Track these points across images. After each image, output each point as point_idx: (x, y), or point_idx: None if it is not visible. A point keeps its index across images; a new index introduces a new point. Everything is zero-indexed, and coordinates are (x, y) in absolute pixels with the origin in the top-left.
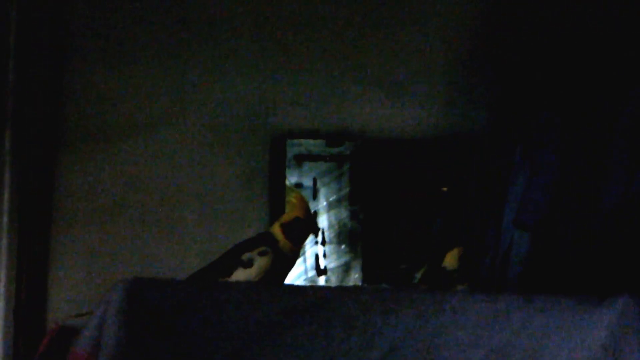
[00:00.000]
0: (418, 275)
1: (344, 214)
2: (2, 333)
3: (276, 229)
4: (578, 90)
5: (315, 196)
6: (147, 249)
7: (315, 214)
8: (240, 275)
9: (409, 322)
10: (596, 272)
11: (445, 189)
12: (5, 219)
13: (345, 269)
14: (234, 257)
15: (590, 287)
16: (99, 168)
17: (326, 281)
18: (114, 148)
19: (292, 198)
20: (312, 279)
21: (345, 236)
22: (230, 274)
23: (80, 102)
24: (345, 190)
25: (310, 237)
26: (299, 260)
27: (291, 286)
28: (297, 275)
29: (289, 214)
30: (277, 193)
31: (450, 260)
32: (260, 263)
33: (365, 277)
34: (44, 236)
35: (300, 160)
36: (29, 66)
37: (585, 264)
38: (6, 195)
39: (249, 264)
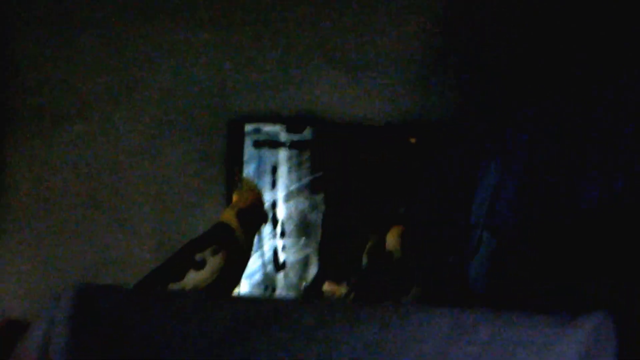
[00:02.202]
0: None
1: (304, 204)
2: None
3: (231, 217)
4: (554, 83)
5: (274, 185)
6: (97, 236)
7: (275, 204)
8: (193, 278)
9: (370, 336)
10: (569, 279)
11: (413, 140)
12: None
13: (305, 263)
14: (186, 258)
15: (563, 296)
16: (44, 151)
17: (284, 276)
18: (62, 130)
19: (250, 183)
20: (269, 274)
21: (305, 228)
22: (182, 277)
23: (25, 82)
24: (306, 179)
25: (268, 229)
26: (256, 255)
27: (244, 298)
28: (254, 270)
29: (245, 201)
30: (234, 180)
31: (390, 240)
32: (213, 263)
33: (322, 272)
34: None
35: (258, 146)
36: None
37: (557, 270)
38: None
39: (201, 265)
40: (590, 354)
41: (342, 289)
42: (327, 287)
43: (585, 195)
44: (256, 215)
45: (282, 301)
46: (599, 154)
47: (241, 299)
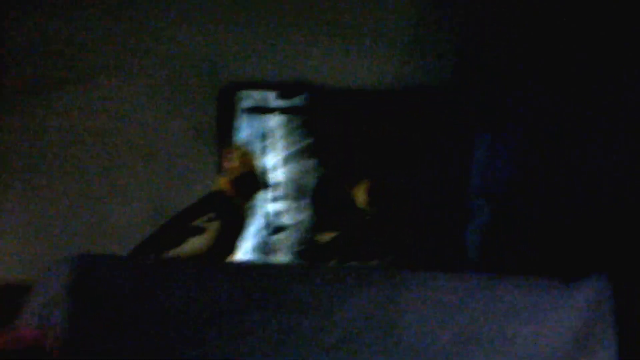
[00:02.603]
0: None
1: (298, 168)
2: None
3: (225, 185)
4: (554, 54)
5: (264, 151)
6: (92, 205)
7: (266, 170)
8: (191, 244)
9: (366, 304)
10: (560, 250)
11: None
12: None
13: (301, 226)
14: (183, 225)
15: (556, 265)
16: (39, 119)
17: (282, 240)
18: (55, 98)
19: (243, 151)
20: (265, 239)
21: (299, 193)
22: (180, 243)
23: (19, 50)
24: (300, 145)
25: (263, 194)
26: (253, 219)
27: (241, 265)
28: (252, 233)
29: (238, 168)
30: (226, 147)
31: (359, 196)
32: (211, 230)
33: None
34: None
35: (251, 112)
36: None
37: (550, 239)
38: None
39: (199, 231)
40: (589, 316)
41: (331, 236)
42: (319, 237)
43: (580, 166)
44: (251, 182)
45: (282, 268)
46: (596, 130)
47: (238, 266)
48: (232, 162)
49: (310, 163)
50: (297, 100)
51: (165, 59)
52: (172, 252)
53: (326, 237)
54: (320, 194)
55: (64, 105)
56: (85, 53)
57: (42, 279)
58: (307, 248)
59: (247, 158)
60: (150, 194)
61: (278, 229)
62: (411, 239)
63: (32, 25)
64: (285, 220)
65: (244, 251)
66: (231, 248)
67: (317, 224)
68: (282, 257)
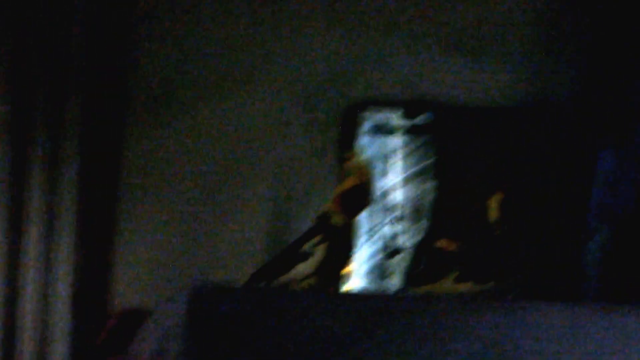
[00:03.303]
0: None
1: (420, 189)
2: (64, 315)
3: (332, 202)
4: None
5: (388, 171)
6: (215, 224)
7: (389, 190)
8: (299, 269)
9: (485, 333)
10: None
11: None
12: (68, 195)
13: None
14: (293, 251)
15: None
16: (166, 137)
17: (399, 261)
18: (183, 116)
19: (356, 165)
20: (381, 262)
21: (420, 214)
22: (289, 269)
23: (148, 68)
24: (421, 165)
25: (382, 216)
26: (371, 241)
27: (358, 295)
28: (369, 256)
29: (346, 182)
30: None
31: (492, 208)
32: (317, 254)
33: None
34: (108, 214)
35: (374, 132)
36: (95, 30)
37: None
38: (70, 170)
39: (305, 257)
40: None
41: (454, 245)
42: (440, 243)
43: None
44: (358, 197)
45: (398, 298)
46: None
47: (356, 296)
48: (348, 172)
49: (430, 184)
50: (420, 119)
51: (291, 76)
52: (281, 279)
53: (446, 244)
54: (442, 205)
55: (189, 127)
56: (212, 74)
57: (160, 309)
58: (422, 269)
59: (360, 171)
60: (271, 214)
61: (395, 252)
62: (534, 260)
63: (159, 47)
64: (402, 242)
65: (360, 275)
66: (340, 266)
67: (434, 234)
68: (397, 281)
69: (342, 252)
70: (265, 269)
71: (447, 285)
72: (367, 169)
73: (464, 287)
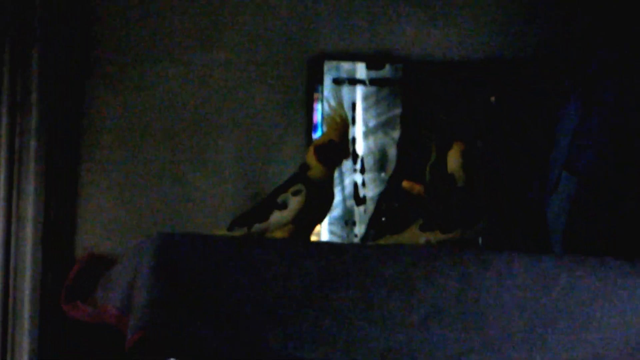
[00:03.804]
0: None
1: (384, 140)
2: (31, 261)
3: (310, 153)
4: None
5: (353, 122)
6: (179, 176)
7: (353, 140)
8: (276, 218)
9: (451, 284)
10: None
11: (492, 98)
12: (33, 143)
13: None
14: (271, 200)
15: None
16: (129, 92)
17: (364, 211)
18: (145, 71)
19: (335, 117)
20: (350, 208)
21: (384, 164)
22: (267, 217)
23: (110, 22)
24: (386, 116)
25: (348, 165)
26: (337, 189)
27: (329, 244)
28: (335, 204)
29: (323, 136)
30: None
31: (452, 159)
32: (294, 203)
33: (400, 168)
34: (72, 162)
35: (338, 83)
36: None
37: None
38: (34, 118)
39: (283, 206)
40: None
41: (417, 187)
42: (405, 184)
43: None
44: (336, 150)
45: (364, 248)
46: None
47: (324, 246)
48: (328, 124)
49: (396, 134)
50: (385, 72)
51: (254, 31)
52: (257, 227)
53: (410, 186)
54: (406, 156)
55: (153, 81)
56: (173, 26)
57: (127, 255)
58: (387, 218)
59: (341, 124)
60: (241, 166)
61: (360, 201)
62: (498, 210)
63: (123, 2)
64: (370, 191)
65: (328, 219)
66: (317, 219)
67: (399, 178)
68: (363, 229)
69: (321, 203)
70: (244, 217)
71: (412, 233)
72: (345, 122)
73: (429, 235)
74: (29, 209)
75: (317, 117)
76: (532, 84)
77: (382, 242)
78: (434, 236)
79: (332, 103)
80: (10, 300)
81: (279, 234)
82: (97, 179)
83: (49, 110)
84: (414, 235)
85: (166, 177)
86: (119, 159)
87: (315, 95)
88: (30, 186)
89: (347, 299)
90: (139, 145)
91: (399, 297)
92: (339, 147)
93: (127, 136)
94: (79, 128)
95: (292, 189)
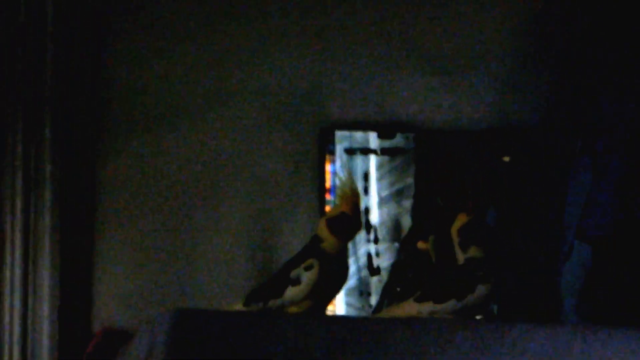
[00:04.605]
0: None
1: (397, 210)
2: (47, 334)
3: (322, 225)
4: None
5: (366, 192)
6: (193, 241)
7: (367, 210)
8: (290, 293)
9: (466, 354)
10: None
11: (506, 158)
12: (47, 214)
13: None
14: (284, 275)
15: None
16: (142, 157)
17: (379, 281)
18: (157, 135)
19: (346, 190)
20: (364, 279)
21: (398, 234)
22: (281, 293)
23: (120, 88)
24: (398, 185)
25: (361, 235)
26: (351, 260)
27: (343, 317)
28: (350, 274)
29: (335, 208)
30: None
31: (454, 229)
32: (307, 278)
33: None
34: (88, 231)
35: (350, 153)
36: (67, 50)
37: None
38: (47, 189)
39: (296, 282)
40: None
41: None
42: (421, 244)
43: None
44: (348, 222)
45: (376, 320)
46: None
47: (336, 318)
48: (339, 197)
49: (408, 204)
50: (396, 141)
51: (266, 97)
52: (273, 303)
53: (425, 246)
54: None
55: (166, 142)
56: (185, 89)
57: (142, 330)
58: (401, 289)
59: (351, 195)
60: (250, 230)
61: (374, 271)
62: (505, 281)
63: (131, 61)
64: (384, 261)
65: (344, 290)
66: (331, 292)
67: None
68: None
69: (335, 277)
70: (259, 292)
71: (409, 305)
72: (355, 194)
73: (422, 306)
74: (45, 284)
75: (330, 184)
76: (544, 148)
77: (381, 314)
78: (427, 307)
79: (342, 175)
80: None
81: (294, 309)
82: (111, 251)
83: (63, 182)
84: (410, 307)
85: (178, 245)
86: (131, 229)
87: (327, 163)
88: (45, 260)
89: None
90: (151, 214)
91: None
92: (351, 219)
93: (138, 202)
94: (93, 199)
95: (304, 264)
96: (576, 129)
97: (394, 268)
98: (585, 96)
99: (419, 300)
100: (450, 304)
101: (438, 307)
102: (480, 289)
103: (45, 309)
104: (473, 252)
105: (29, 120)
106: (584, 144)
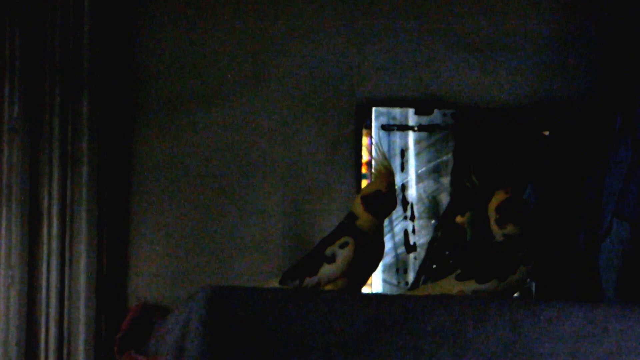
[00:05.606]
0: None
1: (434, 187)
2: (84, 307)
3: (357, 203)
4: None
5: (403, 168)
6: (228, 222)
7: (404, 187)
8: (325, 271)
9: (502, 333)
10: None
11: (547, 132)
12: (84, 191)
13: (431, 246)
14: (320, 253)
15: None
16: (177, 138)
17: (415, 258)
18: (193, 117)
19: (380, 168)
20: (401, 256)
21: (435, 210)
22: (317, 271)
23: (156, 70)
24: (436, 162)
25: (398, 212)
26: (388, 237)
27: (378, 295)
28: (387, 252)
29: (370, 186)
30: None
31: (490, 214)
32: (343, 256)
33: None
34: (123, 210)
35: (387, 129)
36: (104, 29)
37: None
38: (85, 166)
39: (332, 259)
40: None
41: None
42: (459, 219)
43: None
44: (383, 200)
45: (414, 299)
46: None
47: (374, 297)
48: (375, 175)
49: (446, 181)
50: (434, 117)
51: (303, 77)
52: (308, 281)
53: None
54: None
55: (202, 124)
56: (222, 70)
57: (178, 309)
58: (437, 267)
59: (386, 174)
60: (286, 212)
61: (411, 248)
62: (543, 259)
63: (168, 43)
64: (421, 238)
65: (380, 267)
66: (368, 269)
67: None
68: (412, 276)
69: (371, 254)
70: (295, 270)
71: (448, 282)
72: (389, 172)
73: (464, 285)
74: (82, 260)
75: (367, 158)
76: (584, 124)
77: (418, 291)
78: (469, 286)
79: (376, 153)
80: (65, 350)
81: (330, 287)
82: (146, 225)
83: (100, 160)
84: (450, 285)
85: (213, 224)
86: (166, 207)
87: (364, 140)
88: (82, 236)
89: (396, 348)
90: (188, 191)
91: (448, 346)
92: (386, 197)
93: (174, 184)
94: (129, 177)
95: (339, 242)
96: (616, 104)
97: (431, 245)
98: (625, 72)
99: (460, 278)
100: (492, 284)
101: (481, 286)
102: (522, 270)
103: (82, 283)
104: (510, 229)
105: (67, 97)
106: (623, 120)
